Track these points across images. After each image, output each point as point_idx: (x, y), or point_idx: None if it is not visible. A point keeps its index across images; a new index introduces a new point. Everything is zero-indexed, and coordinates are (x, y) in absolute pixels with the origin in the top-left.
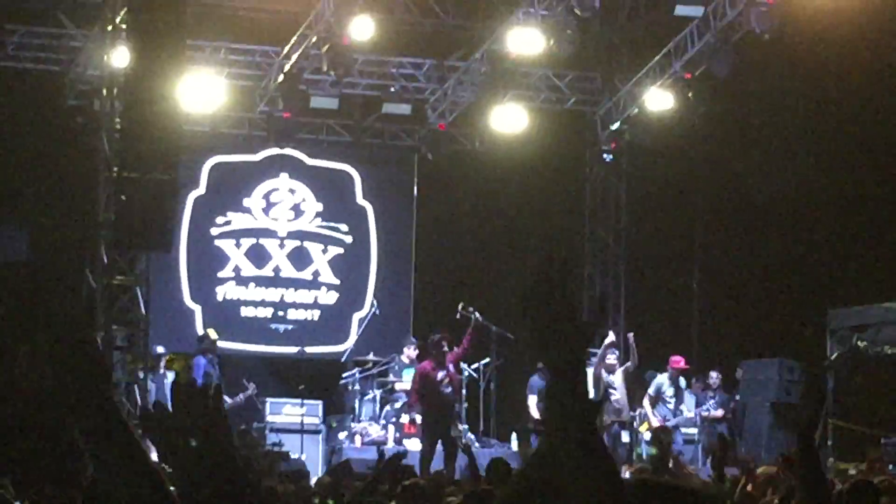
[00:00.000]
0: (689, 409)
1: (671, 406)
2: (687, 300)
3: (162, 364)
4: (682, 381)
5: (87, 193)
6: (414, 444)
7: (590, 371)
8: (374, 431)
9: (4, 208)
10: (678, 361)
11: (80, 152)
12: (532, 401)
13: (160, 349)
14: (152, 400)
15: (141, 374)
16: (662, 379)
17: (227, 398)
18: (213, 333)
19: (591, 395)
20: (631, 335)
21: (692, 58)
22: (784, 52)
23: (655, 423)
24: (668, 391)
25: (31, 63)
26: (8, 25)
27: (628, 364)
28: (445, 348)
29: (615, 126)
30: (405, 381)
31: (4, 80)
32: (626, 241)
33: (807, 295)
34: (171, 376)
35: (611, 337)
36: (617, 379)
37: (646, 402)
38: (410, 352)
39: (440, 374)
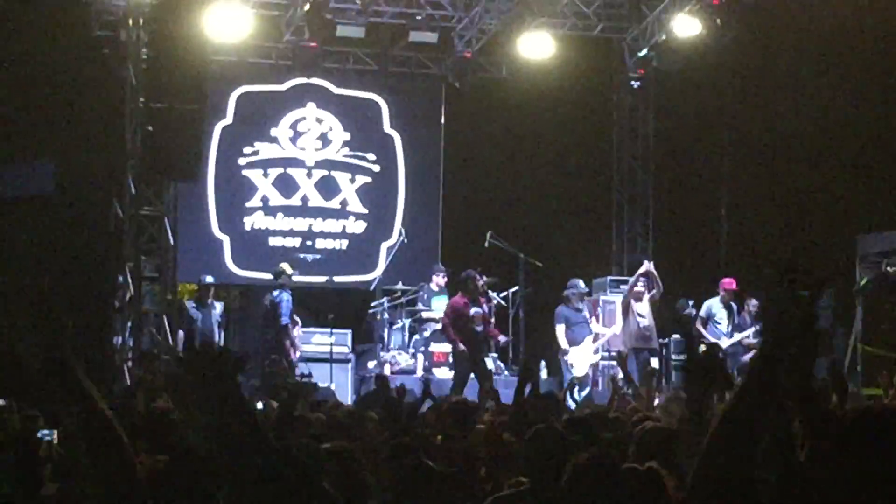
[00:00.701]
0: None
1: (723, 328)
2: (715, 227)
3: (210, 294)
4: (734, 305)
5: (114, 124)
6: (443, 373)
7: (619, 299)
8: (404, 360)
9: (30, 141)
10: (730, 283)
11: (106, 83)
12: (560, 330)
13: (209, 279)
14: (199, 330)
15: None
16: (713, 301)
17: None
18: (288, 268)
19: (620, 322)
20: (650, 264)
21: None
22: None
23: (710, 339)
24: (720, 313)
25: None
26: None
27: (654, 292)
28: (480, 281)
29: (643, 53)
30: (434, 310)
31: (30, 11)
32: (653, 169)
33: (835, 221)
34: (219, 307)
35: (645, 266)
36: (644, 307)
37: (698, 324)
38: (439, 279)
39: (473, 311)
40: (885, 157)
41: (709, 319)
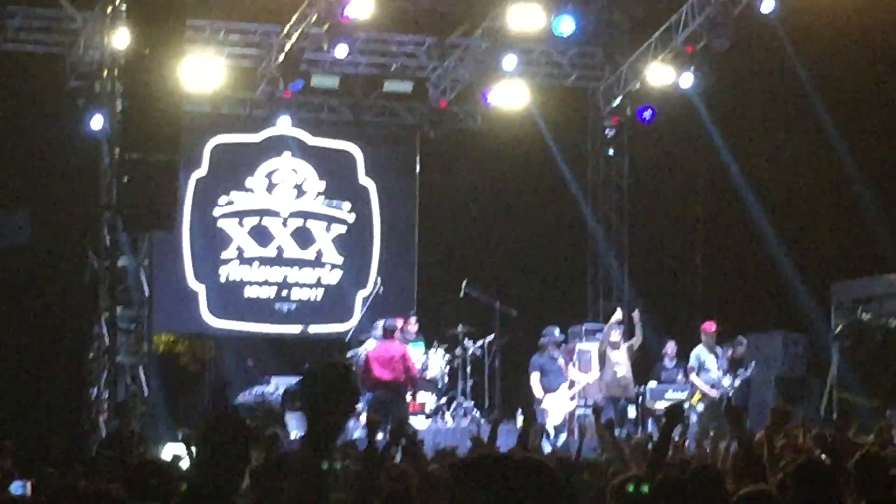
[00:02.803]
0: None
1: (713, 374)
2: (691, 275)
3: None
4: (722, 348)
5: (90, 175)
6: (419, 423)
7: (595, 346)
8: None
9: (6, 192)
10: (710, 326)
11: (81, 134)
12: (535, 378)
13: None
14: None
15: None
16: (699, 349)
17: None
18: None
19: (596, 370)
20: (636, 313)
21: (693, 32)
22: (784, 27)
23: (711, 392)
24: (708, 359)
25: (32, 45)
26: (9, 7)
27: (633, 340)
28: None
29: (617, 102)
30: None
31: (6, 62)
32: (629, 217)
33: (811, 268)
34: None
35: (617, 314)
36: (621, 355)
37: (692, 375)
38: (412, 327)
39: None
40: (860, 204)
41: (700, 368)
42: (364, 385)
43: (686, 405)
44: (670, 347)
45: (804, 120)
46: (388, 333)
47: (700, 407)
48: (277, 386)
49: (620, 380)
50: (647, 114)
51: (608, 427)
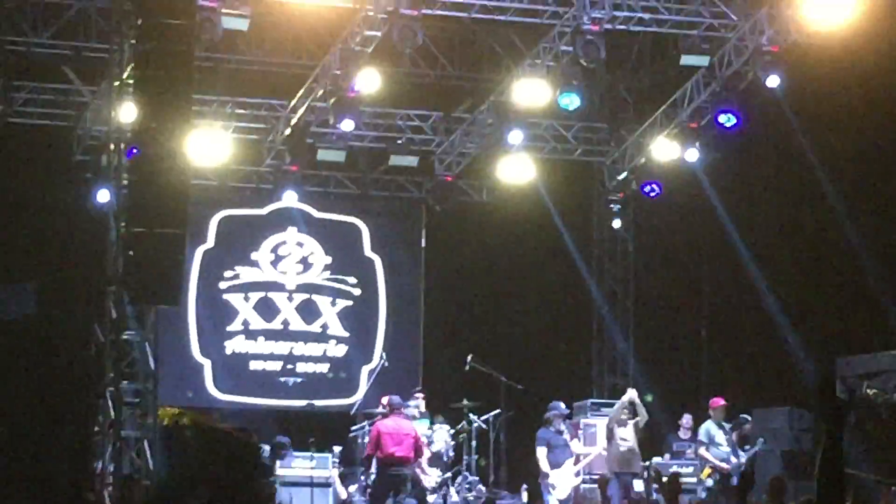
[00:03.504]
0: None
1: (724, 449)
2: (696, 348)
3: None
4: (728, 424)
5: (95, 248)
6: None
7: (600, 421)
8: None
9: (13, 263)
10: (717, 402)
11: (87, 207)
12: (541, 453)
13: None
14: None
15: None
16: (709, 424)
17: None
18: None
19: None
20: (632, 392)
21: (698, 107)
22: (789, 101)
23: (722, 466)
24: (718, 435)
25: (39, 119)
26: (16, 82)
27: (638, 419)
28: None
29: (622, 176)
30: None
31: (13, 135)
32: (634, 290)
33: (816, 343)
34: None
35: (629, 394)
36: (628, 432)
37: (702, 450)
38: (419, 403)
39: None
40: (865, 279)
41: (710, 443)
42: (372, 459)
43: (696, 479)
44: (686, 420)
45: (809, 194)
46: (397, 409)
47: (709, 482)
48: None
49: (625, 454)
50: (653, 189)
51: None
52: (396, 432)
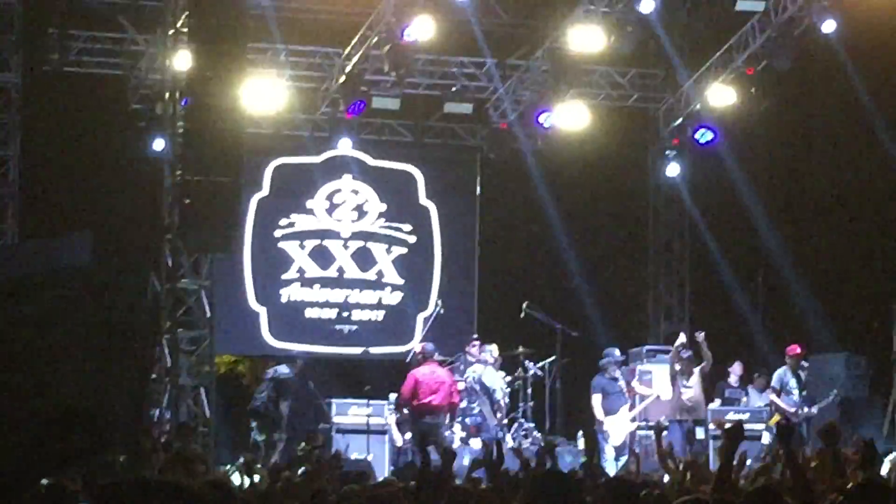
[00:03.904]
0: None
1: (796, 397)
2: (752, 296)
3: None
4: (803, 371)
5: (151, 197)
6: (478, 444)
7: (655, 368)
8: (456, 431)
9: (69, 212)
10: (794, 349)
11: (143, 156)
12: (596, 400)
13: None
14: None
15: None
16: (782, 370)
17: None
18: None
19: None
20: (701, 335)
21: (754, 52)
22: (846, 46)
23: (791, 413)
24: (791, 382)
25: (94, 68)
26: (71, 31)
27: (703, 364)
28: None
29: (678, 122)
30: (470, 381)
31: (68, 84)
32: (689, 237)
33: (873, 289)
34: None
35: (681, 338)
36: (694, 379)
37: (772, 396)
38: (474, 350)
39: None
40: None
41: (782, 389)
42: (408, 407)
43: (764, 426)
44: (737, 367)
45: (866, 140)
46: (430, 356)
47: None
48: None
49: (687, 401)
50: (708, 135)
51: (669, 449)
52: (433, 380)
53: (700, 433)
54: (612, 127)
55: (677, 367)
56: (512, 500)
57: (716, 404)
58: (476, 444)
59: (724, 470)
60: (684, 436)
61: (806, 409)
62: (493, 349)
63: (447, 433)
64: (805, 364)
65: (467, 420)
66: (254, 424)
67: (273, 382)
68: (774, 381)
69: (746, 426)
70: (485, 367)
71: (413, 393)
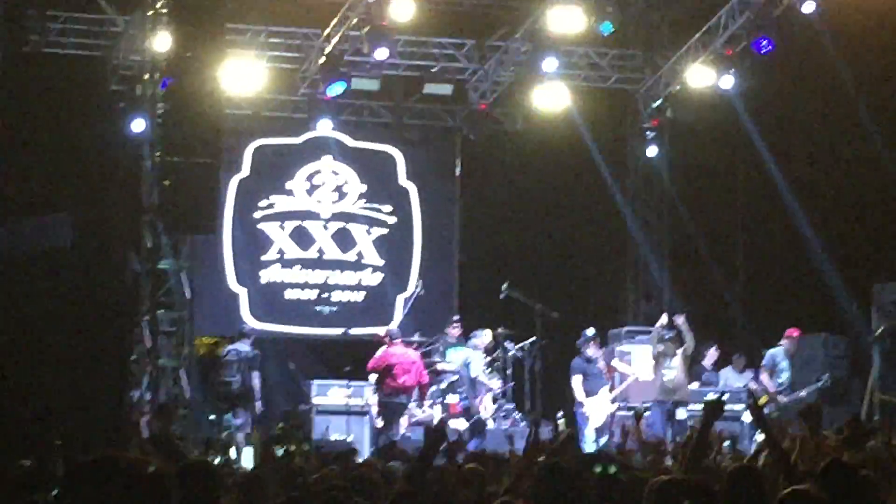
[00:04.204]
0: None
1: (784, 379)
2: (732, 276)
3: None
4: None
5: (131, 178)
6: (460, 424)
7: (634, 349)
8: (420, 412)
9: (48, 194)
10: (794, 331)
11: (123, 137)
12: (576, 381)
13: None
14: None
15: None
16: (777, 351)
17: None
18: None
19: (651, 373)
20: (681, 318)
21: (734, 34)
22: (825, 27)
23: (779, 396)
24: (783, 363)
25: (73, 48)
26: (50, 11)
27: (686, 345)
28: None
29: (657, 103)
30: (450, 362)
31: (47, 65)
32: (669, 219)
33: (852, 270)
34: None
35: (663, 319)
36: (675, 360)
37: (763, 376)
38: (454, 331)
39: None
40: None
41: (773, 370)
42: (382, 386)
43: (743, 405)
44: (712, 351)
45: (845, 120)
46: (397, 339)
47: (766, 410)
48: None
49: (667, 383)
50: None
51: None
52: (406, 361)
53: (681, 413)
54: (591, 108)
55: (660, 347)
56: (498, 480)
57: (694, 386)
58: (458, 424)
59: (698, 445)
60: (664, 417)
61: (793, 394)
62: (486, 335)
63: (423, 412)
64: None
65: (447, 401)
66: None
67: (242, 363)
68: (766, 360)
69: (725, 407)
70: (474, 352)
71: (386, 372)
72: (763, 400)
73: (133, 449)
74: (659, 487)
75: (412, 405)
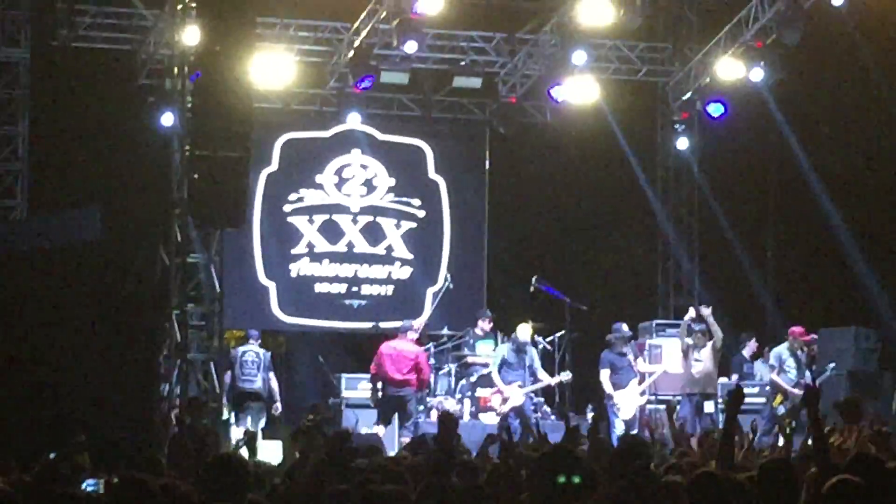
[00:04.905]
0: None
1: (792, 376)
2: (762, 270)
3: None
4: (802, 352)
5: (160, 172)
6: (489, 418)
7: (665, 342)
8: (450, 405)
9: (78, 188)
10: (799, 332)
11: (152, 131)
12: (605, 375)
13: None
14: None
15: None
16: (782, 349)
17: None
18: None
19: (668, 364)
20: (707, 310)
21: (763, 26)
22: (856, 20)
23: (794, 391)
24: (789, 361)
25: (103, 42)
26: (79, 6)
27: (715, 339)
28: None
29: (687, 96)
30: (479, 355)
31: (77, 59)
32: (699, 211)
33: (883, 262)
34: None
35: (691, 312)
36: (704, 352)
37: (773, 374)
38: (485, 325)
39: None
40: None
41: (780, 368)
42: (375, 380)
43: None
44: (752, 343)
45: (875, 112)
46: (402, 332)
47: (781, 409)
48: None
49: (696, 375)
50: (718, 108)
51: (682, 428)
52: (397, 355)
53: (709, 407)
54: (621, 101)
55: (689, 340)
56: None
57: (734, 378)
58: (486, 418)
59: (725, 441)
60: (693, 409)
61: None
62: (525, 328)
63: (438, 404)
64: (807, 348)
65: (478, 394)
66: (252, 405)
67: (261, 361)
68: (773, 360)
69: (755, 399)
70: (502, 345)
71: (378, 365)
72: (778, 399)
73: (164, 443)
74: (694, 481)
75: (440, 398)
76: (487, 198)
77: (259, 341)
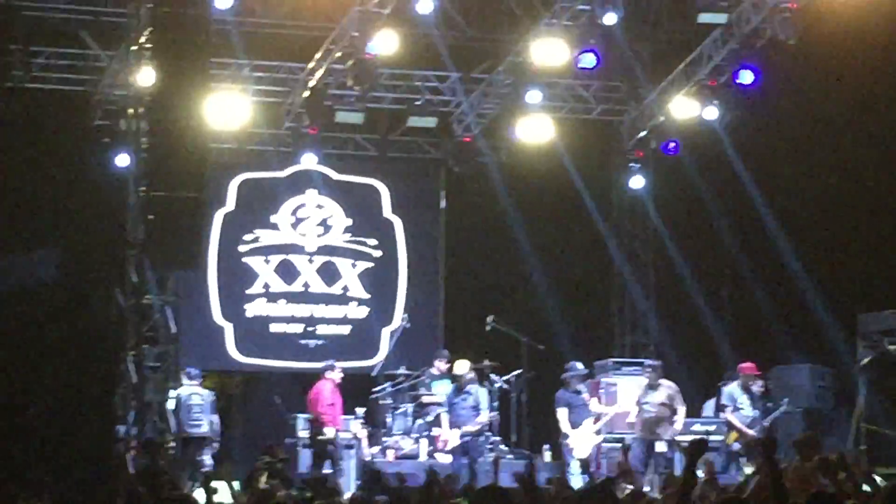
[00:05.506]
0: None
1: (747, 413)
2: (717, 306)
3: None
4: (756, 387)
5: (115, 213)
6: (446, 458)
7: (620, 380)
8: (407, 445)
9: (33, 229)
10: (749, 368)
11: (107, 172)
12: (561, 414)
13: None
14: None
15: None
16: (733, 387)
17: None
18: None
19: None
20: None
21: (717, 65)
22: (808, 58)
23: (747, 430)
24: (741, 398)
25: (57, 84)
26: (33, 47)
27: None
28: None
29: (641, 135)
30: (436, 395)
31: (31, 100)
32: (654, 249)
33: (836, 300)
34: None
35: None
36: (658, 396)
37: (727, 413)
38: (441, 364)
39: None
40: (885, 236)
41: (733, 407)
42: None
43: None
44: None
45: (830, 151)
46: (322, 372)
47: (736, 446)
48: None
49: (650, 419)
50: (673, 149)
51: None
52: (332, 395)
53: (661, 446)
54: (576, 139)
55: (643, 379)
56: None
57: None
58: (443, 458)
59: (686, 481)
60: (644, 451)
61: (758, 427)
62: (462, 364)
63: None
64: (760, 383)
65: (433, 433)
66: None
67: (206, 403)
68: (725, 399)
69: (715, 438)
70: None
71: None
72: (732, 437)
73: (120, 484)
74: None
75: (397, 438)
76: (444, 237)
77: (200, 381)
